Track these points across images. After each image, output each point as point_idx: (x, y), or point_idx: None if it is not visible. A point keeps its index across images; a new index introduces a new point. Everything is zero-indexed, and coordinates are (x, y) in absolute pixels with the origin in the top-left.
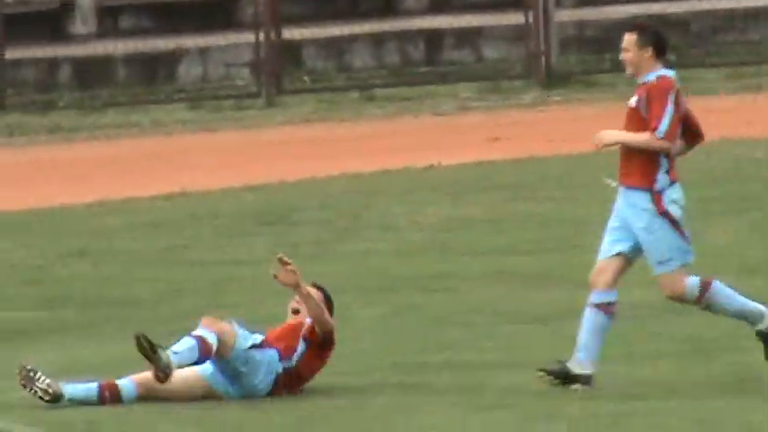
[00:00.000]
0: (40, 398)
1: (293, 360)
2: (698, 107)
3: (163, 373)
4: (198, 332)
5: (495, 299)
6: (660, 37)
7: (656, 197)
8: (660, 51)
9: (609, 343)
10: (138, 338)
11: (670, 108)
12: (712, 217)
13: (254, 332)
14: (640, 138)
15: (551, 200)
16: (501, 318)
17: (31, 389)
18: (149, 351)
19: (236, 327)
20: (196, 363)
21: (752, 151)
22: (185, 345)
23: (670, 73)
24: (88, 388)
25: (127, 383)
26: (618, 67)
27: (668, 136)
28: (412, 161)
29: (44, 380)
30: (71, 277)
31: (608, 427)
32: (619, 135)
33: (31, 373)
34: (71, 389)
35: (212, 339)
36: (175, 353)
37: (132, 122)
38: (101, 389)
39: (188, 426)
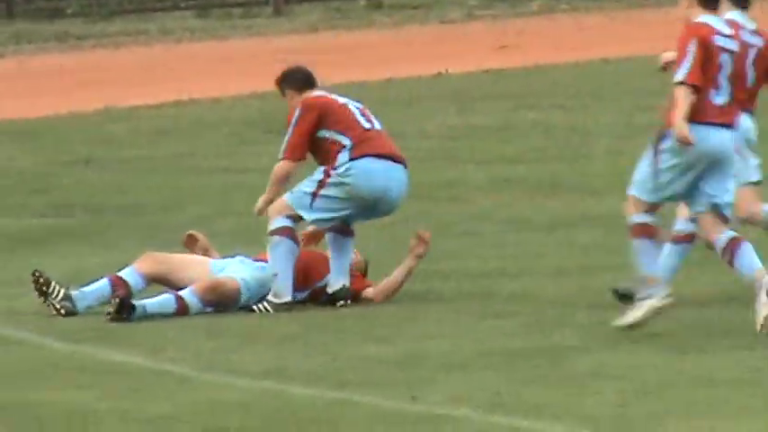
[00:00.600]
0: (55, 312)
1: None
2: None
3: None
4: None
5: (501, 207)
6: None
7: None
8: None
9: (616, 251)
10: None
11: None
12: None
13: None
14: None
15: (558, 108)
16: (507, 226)
17: (46, 301)
18: (45, 286)
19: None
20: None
21: None
22: (160, 299)
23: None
24: (99, 288)
25: (131, 274)
26: None
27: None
28: (419, 70)
29: (59, 296)
30: (77, 184)
31: (614, 335)
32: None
33: (45, 287)
34: (83, 299)
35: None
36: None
37: (140, 30)
38: (111, 281)
39: (197, 333)
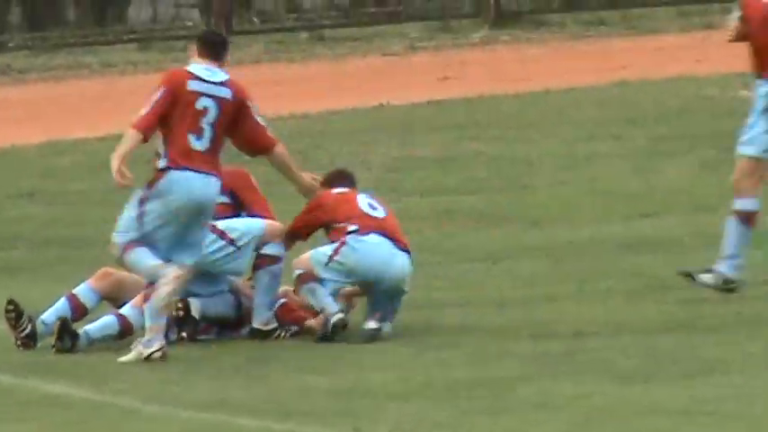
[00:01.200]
0: (16, 344)
1: None
2: (648, 46)
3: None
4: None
5: (443, 238)
6: None
7: None
8: None
9: (559, 281)
10: (8, 303)
11: None
12: (663, 154)
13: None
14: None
15: (500, 139)
16: (449, 257)
17: (14, 331)
18: (14, 320)
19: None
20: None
21: (701, 89)
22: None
23: None
24: (58, 309)
25: (86, 290)
26: (566, 6)
27: None
28: (361, 102)
29: (24, 332)
30: (22, 218)
31: (558, 365)
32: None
33: (17, 319)
34: (46, 331)
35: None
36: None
37: (83, 63)
38: (69, 300)
39: (140, 365)
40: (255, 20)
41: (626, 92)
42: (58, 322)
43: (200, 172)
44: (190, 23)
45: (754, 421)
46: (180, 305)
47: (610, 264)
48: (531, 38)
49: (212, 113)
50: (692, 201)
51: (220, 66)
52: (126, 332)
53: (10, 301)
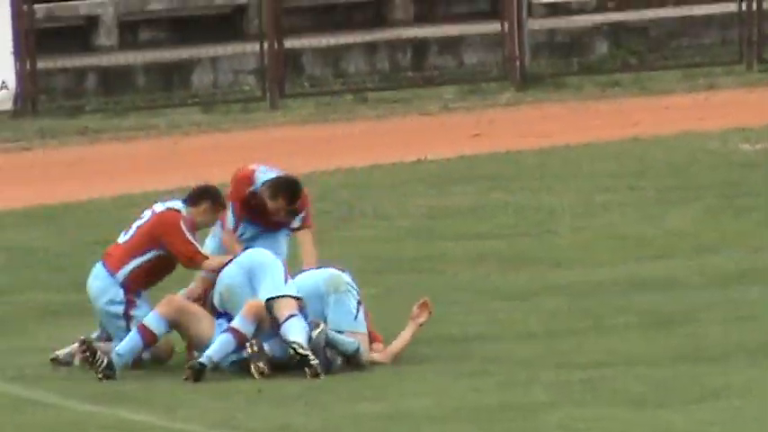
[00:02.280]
0: (98, 379)
1: None
2: (657, 105)
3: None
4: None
5: (476, 279)
6: None
7: None
8: None
9: (579, 317)
10: (82, 343)
11: None
12: (671, 203)
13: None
14: None
15: (526, 189)
16: (482, 296)
17: (91, 369)
18: (90, 357)
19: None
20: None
21: (705, 144)
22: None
23: None
24: (132, 342)
25: (154, 319)
26: (584, 70)
27: None
28: (401, 156)
29: (102, 365)
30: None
31: (579, 392)
32: None
33: (92, 356)
34: (120, 361)
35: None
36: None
37: (151, 125)
38: (139, 331)
39: (206, 394)
40: (306, 84)
41: (638, 147)
42: (83, 343)
43: None
44: (247, 87)
45: None
46: (255, 341)
47: (624, 301)
48: (552, 98)
49: None
50: (697, 244)
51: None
52: (241, 344)
53: (83, 341)
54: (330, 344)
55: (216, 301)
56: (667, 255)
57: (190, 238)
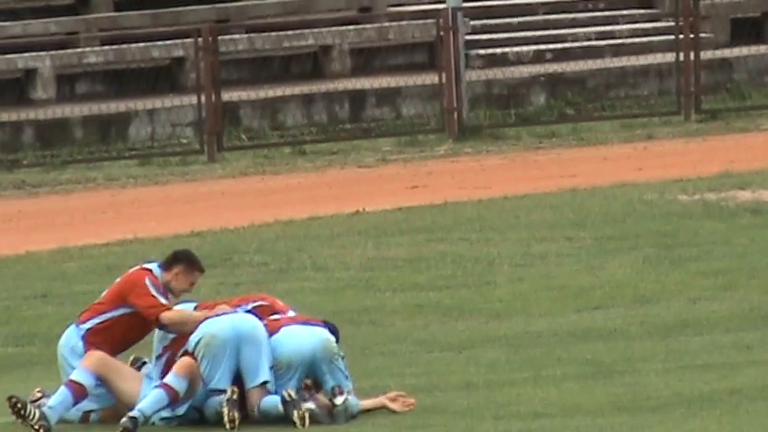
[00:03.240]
0: (35, 430)
1: None
2: (595, 156)
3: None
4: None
5: (414, 330)
6: None
7: None
8: None
9: (518, 367)
10: (9, 400)
11: None
12: (610, 253)
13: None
14: None
15: (464, 240)
16: (420, 347)
17: (24, 422)
18: (20, 411)
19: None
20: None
21: (643, 194)
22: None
23: None
24: (62, 397)
25: (83, 373)
26: (522, 121)
27: None
28: (339, 208)
29: (35, 417)
30: (36, 317)
31: None
32: None
33: (23, 410)
34: (53, 414)
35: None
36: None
37: (89, 178)
38: (69, 387)
39: None
40: (243, 137)
41: (575, 197)
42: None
43: None
44: (185, 140)
45: None
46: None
47: (563, 351)
48: (490, 150)
49: None
50: (636, 294)
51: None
52: (174, 401)
53: (10, 398)
54: (349, 411)
55: (191, 345)
56: (606, 305)
57: (153, 291)
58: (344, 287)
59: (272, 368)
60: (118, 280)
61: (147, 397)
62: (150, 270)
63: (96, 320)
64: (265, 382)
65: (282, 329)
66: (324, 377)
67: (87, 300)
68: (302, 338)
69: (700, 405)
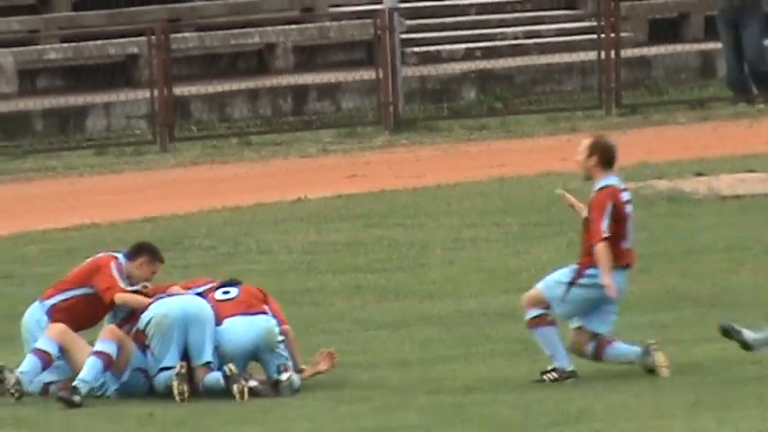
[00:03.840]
0: (11, 394)
1: None
2: (522, 147)
3: (16, 390)
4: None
5: (353, 310)
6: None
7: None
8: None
9: (450, 345)
10: None
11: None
12: (535, 238)
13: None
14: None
15: (400, 226)
16: (358, 325)
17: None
18: None
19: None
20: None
21: (567, 183)
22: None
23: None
24: (31, 363)
25: (47, 342)
26: (454, 114)
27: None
28: (283, 196)
29: (11, 383)
30: None
31: (450, 416)
32: None
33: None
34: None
35: (52, 349)
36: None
37: (48, 167)
38: (36, 354)
39: (99, 418)
40: (194, 128)
41: (503, 186)
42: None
43: None
44: (139, 132)
45: None
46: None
47: (492, 330)
48: (424, 141)
49: None
50: None
51: None
52: (108, 364)
53: None
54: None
55: (142, 324)
56: (532, 286)
57: (116, 274)
58: (288, 270)
59: (216, 348)
60: (85, 262)
61: (84, 367)
62: (117, 257)
63: (60, 297)
64: (208, 362)
65: (226, 321)
66: (267, 363)
67: (47, 281)
68: (244, 331)
69: (619, 380)
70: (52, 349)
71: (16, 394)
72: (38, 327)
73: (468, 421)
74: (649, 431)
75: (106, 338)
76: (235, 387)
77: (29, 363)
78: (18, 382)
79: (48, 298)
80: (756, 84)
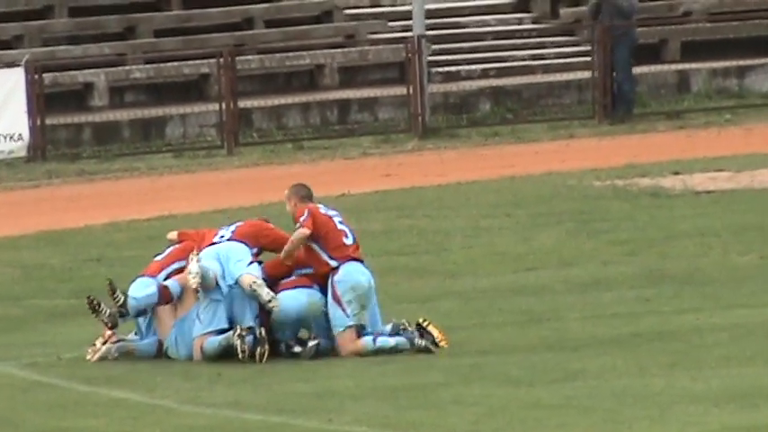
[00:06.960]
0: (104, 323)
1: None
2: (528, 150)
3: (110, 322)
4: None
5: (387, 286)
6: None
7: None
8: None
9: (468, 316)
10: (87, 298)
11: None
12: (540, 227)
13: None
14: None
15: (427, 217)
16: (392, 299)
17: (97, 317)
18: (95, 307)
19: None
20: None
21: (566, 180)
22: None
23: None
24: (148, 294)
25: (173, 284)
26: (472, 124)
27: None
28: (329, 191)
29: (105, 313)
30: (92, 276)
31: (468, 374)
32: None
33: (97, 306)
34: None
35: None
36: (135, 298)
37: (134, 168)
38: (160, 290)
39: (177, 376)
40: (255, 135)
41: (513, 183)
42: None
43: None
44: (210, 138)
45: (606, 411)
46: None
47: (504, 303)
48: (447, 146)
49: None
50: (560, 258)
51: None
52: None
53: (88, 297)
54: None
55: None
56: (537, 267)
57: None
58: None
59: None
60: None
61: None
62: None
63: (165, 273)
64: (251, 327)
65: (280, 294)
66: (313, 327)
67: (134, 263)
68: (293, 300)
69: (609, 345)
70: (175, 289)
71: (108, 324)
72: (148, 297)
73: (483, 379)
74: (634, 387)
75: (178, 281)
76: (238, 343)
77: (148, 293)
78: (112, 316)
79: (156, 274)
80: (619, 105)
